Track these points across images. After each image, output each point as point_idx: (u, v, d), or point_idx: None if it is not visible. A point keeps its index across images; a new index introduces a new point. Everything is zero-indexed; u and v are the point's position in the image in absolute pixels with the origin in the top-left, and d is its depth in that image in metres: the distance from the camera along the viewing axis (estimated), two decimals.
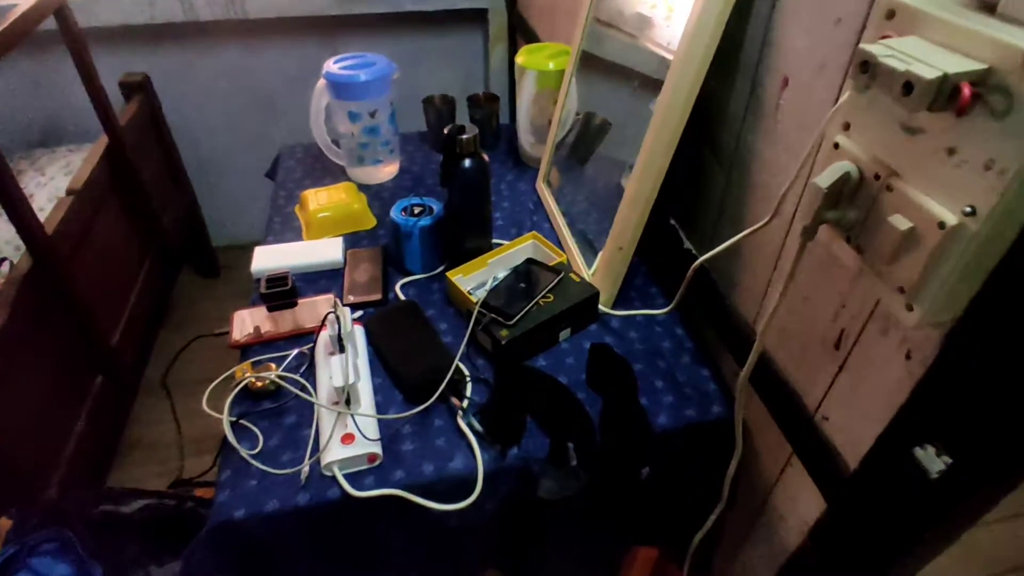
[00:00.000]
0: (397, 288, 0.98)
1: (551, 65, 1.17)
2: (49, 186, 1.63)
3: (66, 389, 1.21)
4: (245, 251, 2.16)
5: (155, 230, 1.69)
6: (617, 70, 1.00)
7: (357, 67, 1.15)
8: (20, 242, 1.48)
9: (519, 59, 1.20)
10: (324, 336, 0.85)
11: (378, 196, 1.22)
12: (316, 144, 1.28)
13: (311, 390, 0.80)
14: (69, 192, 1.30)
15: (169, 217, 1.77)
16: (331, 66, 1.16)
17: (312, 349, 0.86)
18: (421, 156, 1.36)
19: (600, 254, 0.93)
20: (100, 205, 1.40)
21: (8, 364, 1.02)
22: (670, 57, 0.77)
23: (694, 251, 0.90)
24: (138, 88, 1.73)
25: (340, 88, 1.15)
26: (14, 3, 1.43)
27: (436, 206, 0.99)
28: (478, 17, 1.99)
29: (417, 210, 0.99)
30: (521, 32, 1.88)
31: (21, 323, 1.06)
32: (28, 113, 1.88)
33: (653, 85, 0.81)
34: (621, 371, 0.83)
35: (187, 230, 1.97)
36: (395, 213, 0.98)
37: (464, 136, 0.86)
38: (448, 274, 0.92)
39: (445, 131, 0.87)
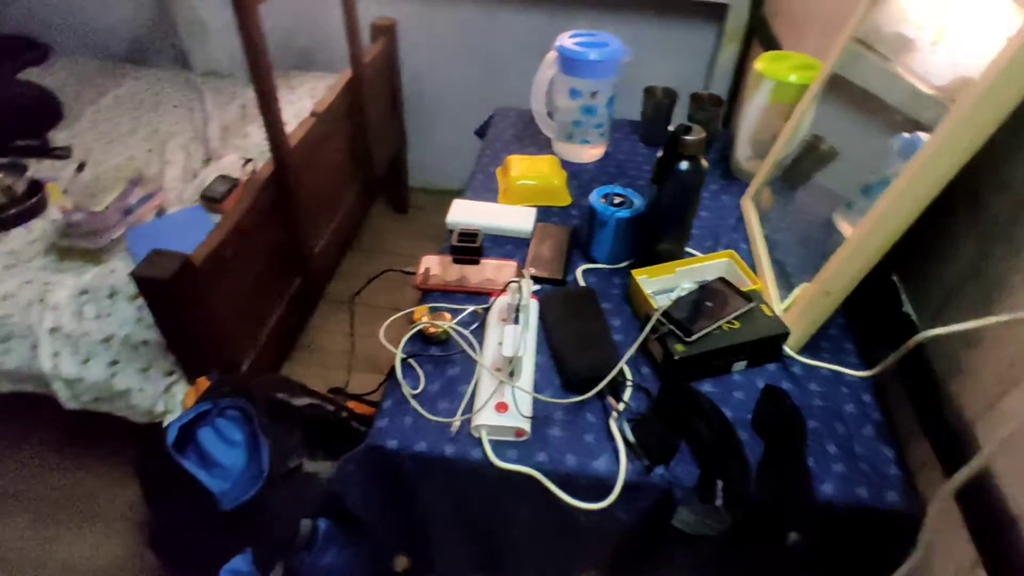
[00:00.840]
0: (578, 273, 0.98)
1: (792, 78, 1.08)
2: (296, 104, 1.84)
3: (271, 283, 1.38)
4: (435, 196, 2.35)
5: (367, 160, 1.85)
6: (858, 94, 0.89)
7: (589, 45, 1.15)
8: (264, 148, 1.70)
9: (758, 65, 1.12)
10: (501, 301, 0.87)
11: (577, 175, 1.22)
12: (529, 111, 1.30)
13: (477, 349, 0.83)
14: (313, 114, 1.46)
15: (381, 151, 1.92)
16: (565, 40, 1.16)
17: (487, 310, 0.88)
18: (627, 145, 1.34)
19: (798, 291, 0.86)
20: (333, 129, 1.55)
21: (237, 249, 1.18)
22: (927, 91, 0.66)
23: (915, 319, 0.79)
24: (385, 31, 1.88)
25: (569, 63, 1.15)
26: None
27: (637, 200, 0.97)
28: (714, 13, 1.89)
29: (617, 200, 0.97)
30: (760, 36, 1.76)
31: (255, 215, 1.22)
32: (288, 39, 2.12)
33: (899, 118, 0.71)
34: (792, 422, 0.76)
35: (391, 166, 2.13)
36: (594, 199, 0.97)
37: (690, 137, 0.82)
38: (633, 272, 0.90)
39: (671, 128, 0.84)
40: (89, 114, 1.94)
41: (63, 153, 1.77)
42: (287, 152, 1.26)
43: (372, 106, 1.77)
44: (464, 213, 1.07)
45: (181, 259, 1.00)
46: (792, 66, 1.11)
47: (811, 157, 1.00)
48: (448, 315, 0.87)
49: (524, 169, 1.14)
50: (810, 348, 0.86)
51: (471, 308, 0.90)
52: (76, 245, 1.37)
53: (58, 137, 1.84)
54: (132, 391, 1.22)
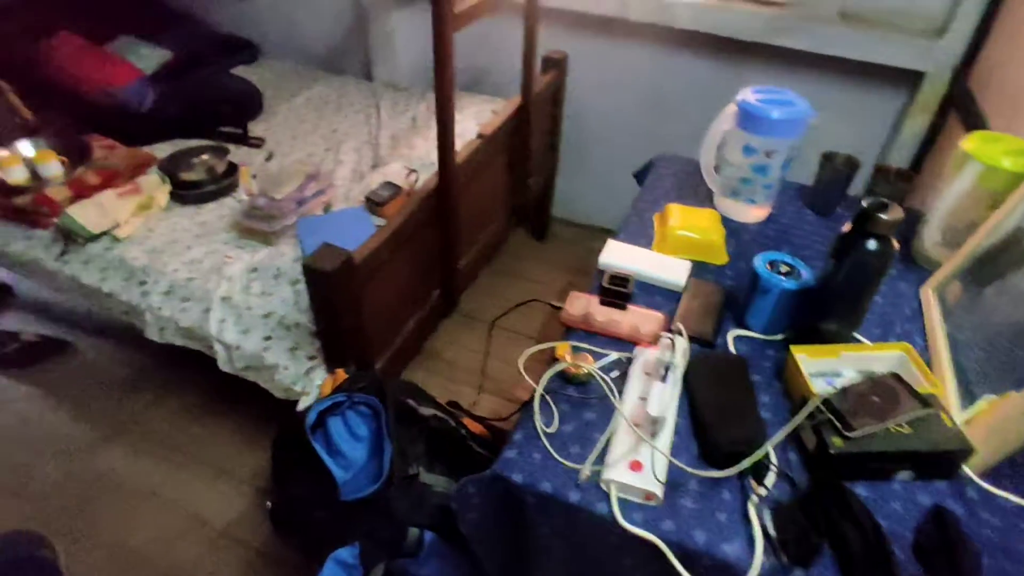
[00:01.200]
0: (729, 337, 0.93)
1: (1006, 163, 0.97)
2: (462, 124, 1.93)
3: (415, 290, 1.45)
4: (575, 228, 2.36)
5: (521, 186, 1.90)
6: None
7: (773, 102, 1.10)
8: (430, 160, 1.80)
9: (966, 145, 1.02)
10: (648, 353, 0.85)
11: (737, 234, 1.17)
12: (692, 160, 1.27)
13: (617, 399, 0.81)
14: (479, 136, 1.53)
15: (534, 179, 1.96)
16: (748, 95, 1.12)
17: (631, 360, 0.86)
18: (793, 210, 1.27)
19: (984, 403, 0.76)
20: (495, 152, 1.61)
21: (392, 253, 1.25)
22: None
23: None
24: (556, 64, 1.93)
25: (748, 119, 1.11)
26: None
27: (805, 272, 0.91)
28: (907, 79, 1.75)
29: (784, 269, 0.91)
30: (960, 111, 1.60)
31: (413, 224, 1.29)
32: (466, 60, 2.24)
33: None
34: (963, 556, 0.67)
35: (540, 193, 2.17)
36: (759, 264, 0.92)
37: (886, 216, 0.76)
38: (792, 348, 0.84)
39: (863, 202, 0.78)
40: (283, 110, 2.16)
41: (257, 142, 1.98)
42: (453, 169, 1.32)
43: (534, 135, 1.82)
44: (617, 256, 1.06)
45: (345, 255, 1.07)
46: (1006, 150, 1.00)
47: (1012, 253, 0.89)
48: (591, 357, 0.86)
49: (683, 220, 1.11)
50: (993, 471, 0.76)
51: (615, 354, 0.88)
52: (255, 226, 1.52)
53: (256, 127, 2.07)
54: (278, 367, 1.32)
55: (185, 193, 1.68)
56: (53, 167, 1.67)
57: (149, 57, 2.28)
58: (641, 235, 1.16)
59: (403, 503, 0.95)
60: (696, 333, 0.92)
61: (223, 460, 1.59)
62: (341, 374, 1.16)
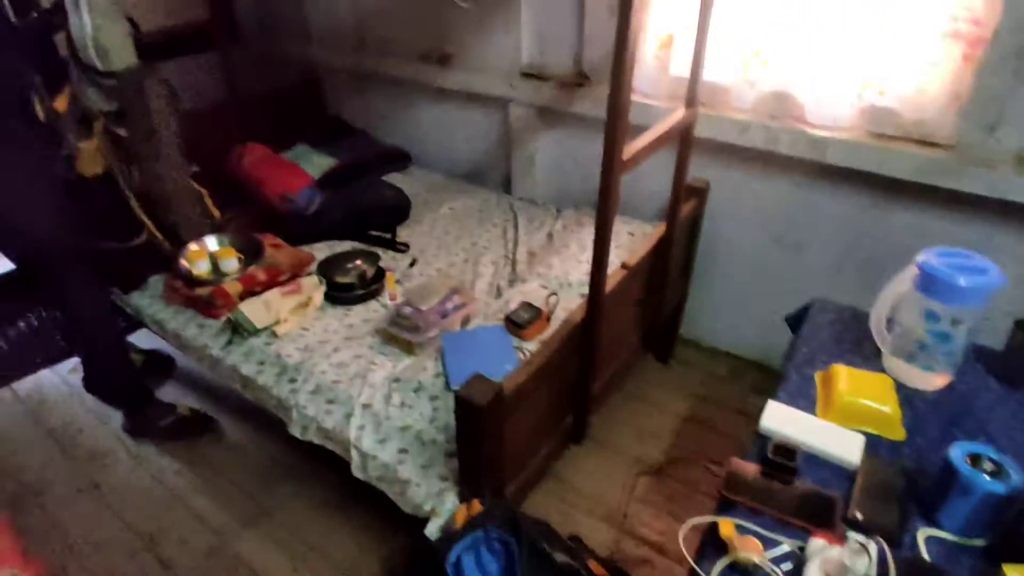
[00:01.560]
0: (920, 537, 0.83)
1: None
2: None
3: (552, 416, 1.44)
4: (700, 352, 2.29)
5: (656, 312, 1.87)
6: None
7: (960, 267, 1.03)
8: (567, 280, 1.83)
9: None
10: (825, 548, 0.77)
11: (911, 403, 1.07)
12: (854, 310, 1.20)
13: None
14: (624, 266, 1.54)
15: (667, 304, 1.94)
16: (931, 257, 1.06)
17: (802, 550, 0.79)
18: (975, 378, 1.15)
19: None
20: (635, 280, 1.61)
21: (538, 382, 1.25)
22: None
23: None
24: (698, 192, 1.94)
25: (931, 283, 1.04)
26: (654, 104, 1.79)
27: (1015, 474, 0.80)
28: None
29: (988, 466, 0.81)
30: None
31: (559, 354, 1.29)
32: (589, 181, 2.32)
33: None
34: None
35: (669, 317, 2.13)
36: (957, 456, 0.83)
37: None
38: (1006, 568, 0.73)
39: None
40: (429, 219, 2.31)
41: (403, 248, 2.12)
42: (603, 302, 1.33)
43: (672, 262, 1.81)
44: (780, 421, 0.99)
45: (496, 388, 1.09)
46: None
47: None
48: (759, 544, 0.79)
49: (853, 386, 1.04)
50: None
51: (786, 544, 0.80)
52: (399, 335, 1.60)
53: (402, 233, 2.22)
54: (411, 482, 1.33)
55: (338, 295, 1.81)
56: (231, 263, 1.86)
57: (319, 164, 2.55)
58: (801, 395, 1.09)
59: None
60: (879, 525, 0.82)
61: (348, 560, 1.60)
62: (476, 505, 1.15)
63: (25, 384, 2.25)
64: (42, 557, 1.63)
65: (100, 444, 2.00)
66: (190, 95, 2.72)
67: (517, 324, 1.55)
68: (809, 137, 1.77)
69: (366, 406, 1.44)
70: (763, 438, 0.95)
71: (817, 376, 1.13)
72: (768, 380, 2.15)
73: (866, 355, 1.18)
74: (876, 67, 1.63)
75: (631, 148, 1.21)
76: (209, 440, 2.00)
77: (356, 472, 1.44)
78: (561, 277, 1.85)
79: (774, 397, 1.07)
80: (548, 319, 1.59)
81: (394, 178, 2.63)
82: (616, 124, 1.10)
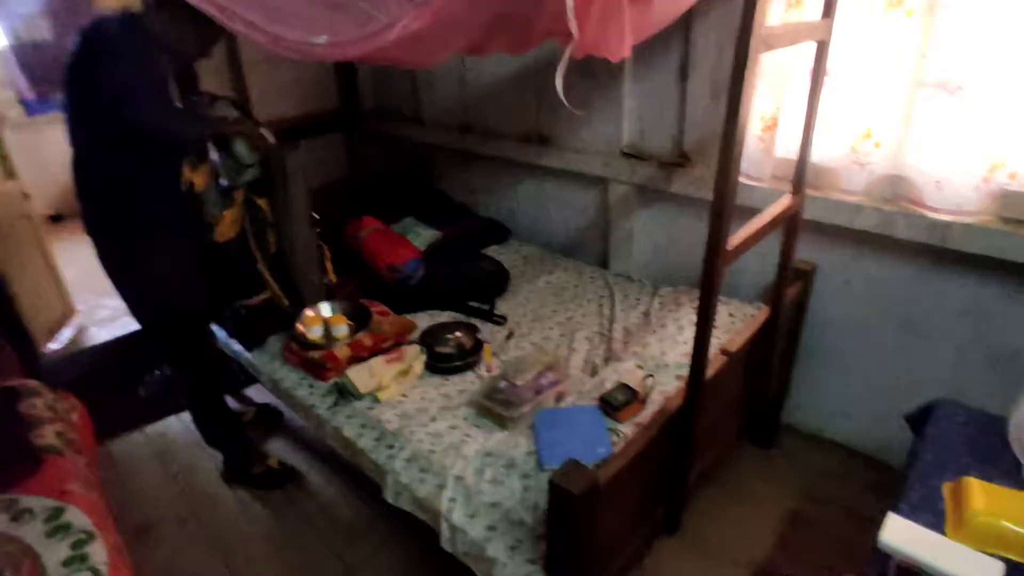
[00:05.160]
0: None
1: None
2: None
3: (642, 506, 1.39)
4: (802, 438, 2.13)
5: (756, 400, 1.79)
6: None
7: None
8: (663, 362, 1.80)
9: None
10: None
11: None
12: (988, 414, 1.09)
13: None
14: (724, 352, 1.50)
15: (769, 389, 1.85)
16: None
17: None
18: None
19: None
20: (737, 365, 1.56)
21: (633, 470, 1.22)
22: None
23: None
24: (804, 275, 1.87)
25: None
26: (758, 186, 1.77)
27: None
28: None
29: None
30: None
31: (654, 442, 1.27)
32: (697, 254, 2.28)
33: None
34: None
35: (772, 403, 2.03)
36: None
37: None
38: None
39: None
40: (525, 291, 2.37)
41: (501, 320, 2.18)
42: (703, 392, 1.30)
43: (776, 347, 1.74)
44: (903, 538, 0.91)
45: (591, 477, 1.07)
46: None
47: None
48: None
49: (991, 504, 0.94)
50: None
51: None
52: (493, 408, 1.62)
53: (500, 306, 2.28)
54: (497, 562, 1.32)
55: (437, 364, 1.88)
56: (342, 329, 1.99)
57: (424, 236, 2.70)
58: (926, 509, 1.00)
59: None
60: None
61: None
62: None
63: (156, 429, 2.47)
64: None
65: (212, 490, 2.13)
66: (316, 173, 3.00)
67: (612, 406, 1.53)
68: (929, 221, 1.68)
69: (458, 478, 1.46)
70: (883, 555, 0.87)
71: (945, 488, 1.03)
72: (881, 477, 1.97)
73: (1005, 468, 1.07)
74: (1005, 147, 1.52)
75: (736, 237, 1.21)
76: (304, 494, 2.08)
77: (445, 544, 1.45)
78: (657, 357, 1.82)
79: (894, 508, 0.98)
80: (644, 402, 1.56)
81: (494, 251, 2.73)
82: (722, 214, 1.11)
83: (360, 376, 1.77)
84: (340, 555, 1.84)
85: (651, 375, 1.66)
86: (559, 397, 1.70)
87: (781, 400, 2.12)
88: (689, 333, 1.89)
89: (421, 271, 2.38)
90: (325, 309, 2.10)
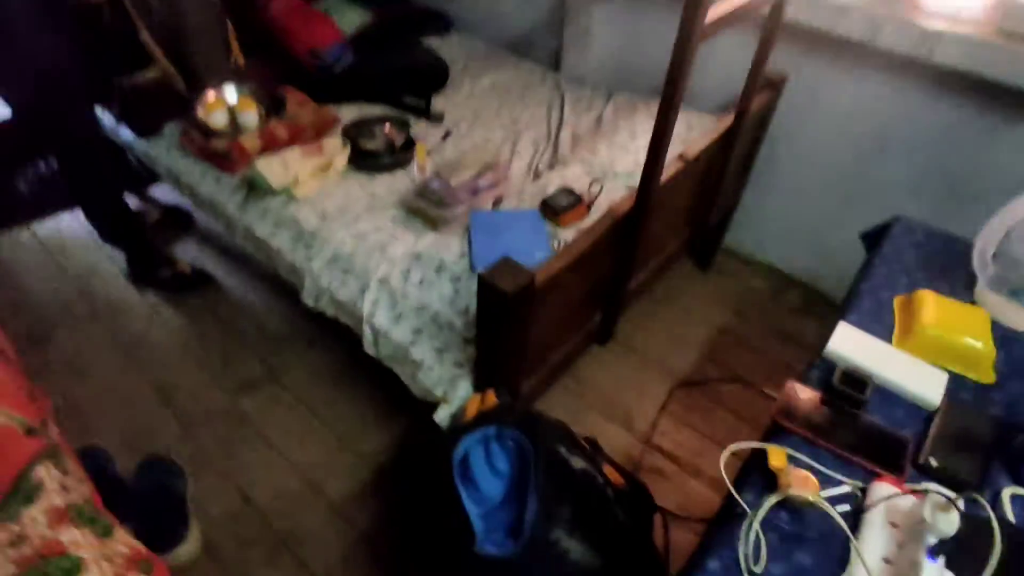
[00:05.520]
0: (1004, 496, 0.71)
1: None
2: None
3: (579, 312, 1.33)
4: (740, 260, 2.13)
5: (704, 212, 1.71)
6: None
7: None
8: (612, 170, 1.66)
9: None
10: (897, 499, 0.66)
11: (1008, 346, 0.92)
12: (942, 234, 1.03)
13: (859, 554, 0.63)
14: (681, 157, 1.36)
15: (718, 205, 1.76)
16: None
17: (864, 492, 0.68)
18: None
19: None
20: (691, 174, 1.43)
21: (572, 274, 1.12)
22: None
23: None
24: (773, 85, 1.70)
25: None
26: None
27: None
28: None
29: None
30: None
31: (598, 247, 1.16)
32: (662, 63, 2.05)
33: None
34: None
35: (718, 221, 1.96)
36: None
37: None
38: None
39: None
40: (467, 89, 2.10)
41: (436, 118, 1.94)
42: (654, 195, 1.17)
43: (732, 159, 1.61)
44: (851, 346, 0.86)
45: (527, 277, 0.96)
46: None
47: None
48: (814, 480, 0.68)
49: (941, 317, 0.89)
50: None
51: (847, 484, 0.69)
52: (425, 209, 1.46)
53: (437, 102, 2.02)
54: (423, 365, 1.25)
55: (362, 162, 1.67)
56: (250, 116, 1.71)
57: (352, 19, 2.31)
58: (876, 321, 0.95)
59: (540, 573, 0.83)
60: (955, 476, 0.71)
61: (350, 431, 1.58)
62: (491, 398, 1.07)
63: (45, 227, 2.20)
64: (50, 396, 1.63)
65: (120, 294, 1.96)
66: None
67: (554, 209, 1.40)
68: (920, 30, 1.49)
69: (382, 281, 1.34)
70: (828, 363, 0.82)
71: (896, 301, 0.98)
72: (811, 304, 2.00)
73: (956, 286, 1.02)
74: None
75: (716, 9, 1.00)
76: (222, 299, 1.94)
77: (368, 348, 1.37)
78: (606, 165, 1.67)
79: (843, 319, 0.92)
80: (588, 208, 1.43)
81: (432, 42, 2.39)
82: None
83: (272, 168, 1.54)
84: (263, 358, 1.76)
85: (598, 181, 1.52)
86: (498, 201, 1.55)
87: (728, 220, 2.05)
88: (643, 141, 1.73)
89: (348, 58, 2.05)
90: (230, 93, 1.79)
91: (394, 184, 1.64)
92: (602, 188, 1.50)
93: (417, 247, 1.40)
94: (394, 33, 2.33)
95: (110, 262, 2.05)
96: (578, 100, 2.05)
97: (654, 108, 1.77)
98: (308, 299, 1.45)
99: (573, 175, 1.61)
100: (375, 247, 1.40)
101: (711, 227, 1.87)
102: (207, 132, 1.69)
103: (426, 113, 1.95)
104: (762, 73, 1.45)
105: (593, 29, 2.17)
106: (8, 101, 1.60)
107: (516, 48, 2.42)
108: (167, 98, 1.82)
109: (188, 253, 2.11)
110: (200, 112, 1.72)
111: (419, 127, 1.88)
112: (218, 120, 1.71)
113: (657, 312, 1.91)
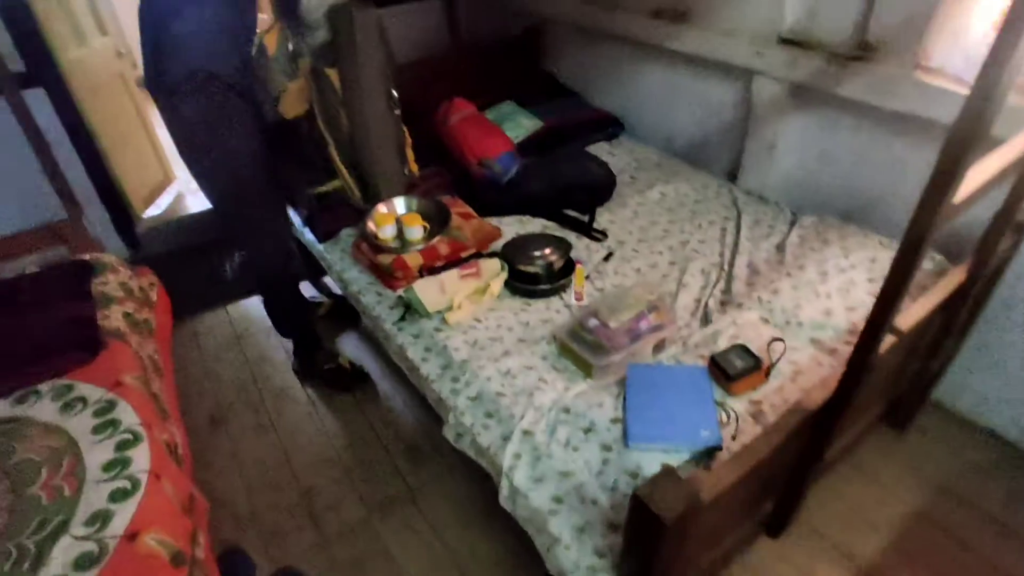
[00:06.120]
0: None
1: None
2: (847, 275, 1.53)
3: (747, 504, 1.12)
4: (949, 420, 1.72)
5: (912, 376, 1.41)
6: None
7: None
8: (796, 319, 1.43)
9: None
10: None
11: None
12: None
13: None
14: (896, 332, 1.12)
15: (932, 369, 1.45)
16: None
17: None
18: None
19: None
20: (906, 341, 1.18)
21: (746, 481, 0.93)
22: None
23: None
24: (1020, 229, 1.38)
25: None
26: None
27: None
28: None
29: None
30: None
31: (779, 451, 0.96)
32: (859, 178, 1.80)
33: None
34: None
35: (927, 379, 1.62)
36: None
37: None
38: None
39: None
40: (633, 203, 2.01)
41: (599, 236, 1.86)
42: (861, 383, 0.96)
43: (958, 321, 1.32)
44: None
45: (691, 497, 0.80)
46: None
47: None
48: None
49: None
50: None
51: None
52: (579, 352, 1.36)
53: (601, 217, 1.95)
54: (559, 543, 1.12)
55: (518, 285, 1.62)
56: (416, 231, 1.76)
57: (523, 125, 2.36)
58: None
59: None
60: None
61: (480, 574, 1.47)
62: None
63: (239, 307, 2.44)
64: (211, 485, 1.72)
65: (285, 383, 2.08)
66: (408, 45, 2.65)
67: (726, 373, 1.22)
68: None
69: (527, 433, 1.24)
70: None
71: None
72: None
73: None
74: None
75: (970, 182, 0.79)
76: (374, 403, 1.98)
77: (504, 503, 1.26)
78: (789, 311, 1.46)
79: None
80: (767, 374, 1.23)
81: (601, 148, 2.36)
82: (965, 143, 0.70)
83: (429, 292, 1.55)
84: (404, 475, 1.73)
85: (780, 339, 1.31)
86: (660, 346, 1.40)
87: (937, 378, 1.70)
88: (835, 283, 1.51)
89: (515, 168, 2.06)
90: (400, 205, 1.87)
91: (549, 312, 1.57)
92: (785, 349, 1.29)
93: (566, 398, 1.29)
94: (564, 140, 2.33)
95: (281, 350, 2.20)
96: (757, 221, 1.86)
97: (849, 239, 1.54)
98: (450, 434, 1.40)
99: (749, 323, 1.42)
100: (523, 391, 1.32)
101: (915, 386, 1.55)
102: (376, 244, 1.76)
103: (589, 230, 1.88)
104: (1014, 219, 1.18)
105: (779, 143, 1.99)
106: (209, 196, 1.79)
107: (690, 157, 2.30)
108: (346, 208, 1.95)
109: (350, 346, 2.20)
110: (371, 224, 1.80)
111: (580, 246, 1.82)
112: (387, 233, 1.77)
113: (839, 484, 1.59)
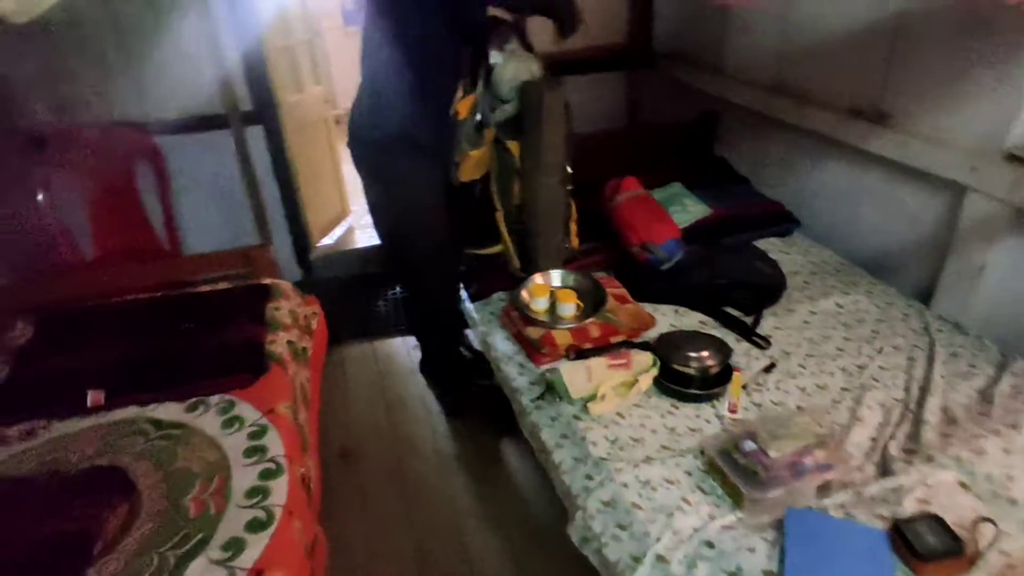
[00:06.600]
0: None
1: None
2: None
3: None
4: None
5: None
6: None
7: None
8: (1009, 493, 1.19)
9: None
10: None
11: None
12: None
13: None
14: None
15: None
16: None
17: None
18: None
19: None
20: None
21: None
22: None
23: None
24: None
25: None
26: None
27: None
28: None
29: None
30: None
31: None
32: None
33: None
34: None
35: None
36: None
37: None
38: None
39: None
40: (804, 311, 1.84)
41: (762, 343, 1.71)
42: None
43: None
44: None
45: None
46: None
47: None
48: None
49: None
50: None
51: None
52: (730, 476, 1.23)
53: (767, 321, 1.80)
54: None
55: (668, 384, 1.52)
56: (569, 308, 1.73)
57: (691, 210, 2.28)
58: None
59: None
60: None
61: None
62: None
63: (385, 345, 2.55)
64: (332, 520, 1.76)
65: (416, 429, 2.12)
66: (584, 116, 2.69)
67: (914, 550, 1.03)
68: None
69: (660, 559, 1.13)
70: None
71: None
72: None
73: None
74: None
75: None
76: (500, 460, 1.95)
77: None
78: (998, 480, 1.22)
79: None
80: (973, 563, 1.02)
81: (772, 244, 2.21)
82: None
83: (575, 377, 1.49)
84: (518, 558, 1.67)
85: (990, 520, 1.09)
86: (825, 488, 1.23)
87: None
88: None
89: (679, 255, 1.98)
90: (555, 278, 1.85)
91: (699, 420, 1.45)
92: (998, 534, 1.07)
93: (711, 529, 1.16)
94: (732, 231, 2.22)
95: (419, 395, 2.25)
96: (955, 355, 1.62)
97: None
98: (575, 536, 1.31)
99: (944, 487, 1.20)
100: (662, 508, 1.21)
101: None
102: (526, 314, 1.75)
103: (751, 334, 1.74)
104: None
105: (990, 267, 1.73)
106: (381, 237, 1.91)
107: (874, 269, 2.07)
108: (502, 273, 1.97)
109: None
110: (525, 294, 1.80)
111: (739, 347, 1.68)
112: (540, 305, 1.76)
113: None
